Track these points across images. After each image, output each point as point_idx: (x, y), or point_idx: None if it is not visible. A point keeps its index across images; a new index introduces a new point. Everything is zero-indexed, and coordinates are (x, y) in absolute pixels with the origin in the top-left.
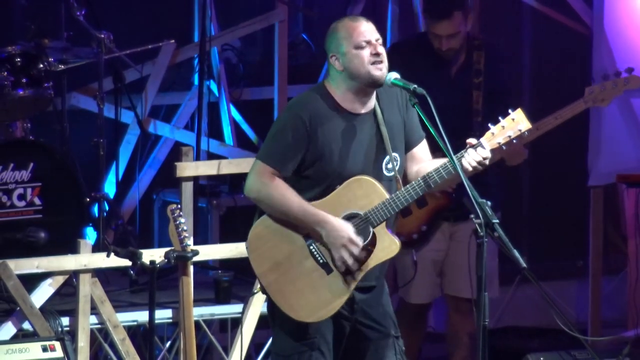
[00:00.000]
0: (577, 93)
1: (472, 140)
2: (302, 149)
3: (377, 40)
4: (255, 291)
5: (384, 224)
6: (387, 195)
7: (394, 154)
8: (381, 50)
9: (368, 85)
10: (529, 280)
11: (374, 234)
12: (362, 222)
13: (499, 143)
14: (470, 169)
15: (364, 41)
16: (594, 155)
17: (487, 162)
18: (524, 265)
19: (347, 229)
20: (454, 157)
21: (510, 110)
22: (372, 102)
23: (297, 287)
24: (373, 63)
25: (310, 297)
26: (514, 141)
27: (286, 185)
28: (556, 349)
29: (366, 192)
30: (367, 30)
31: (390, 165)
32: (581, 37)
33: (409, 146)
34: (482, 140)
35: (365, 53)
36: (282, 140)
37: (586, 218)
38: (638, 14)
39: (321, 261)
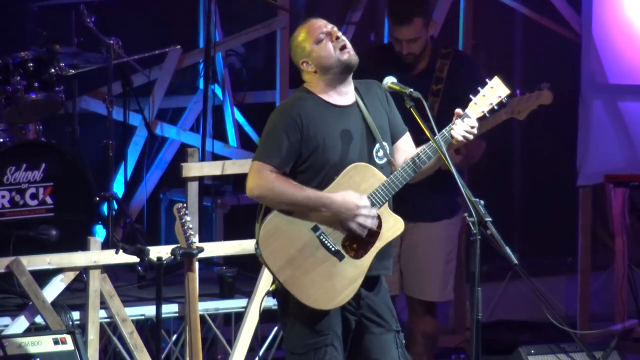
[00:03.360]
0: (567, 97)
1: (458, 111)
2: (297, 146)
3: (333, 29)
4: (271, 289)
5: (386, 204)
6: (384, 177)
7: (383, 143)
8: (340, 34)
9: (342, 72)
10: (520, 276)
11: (378, 215)
12: None
13: (483, 111)
14: (460, 138)
15: (322, 34)
16: (583, 156)
17: (475, 131)
18: (516, 261)
19: (352, 198)
20: (446, 157)
21: (487, 80)
22: (352, 94)
23: (313, 277)
24: (340, 49)
25: (327, 285)
26: (496, 107)
27: (285, 177)
28: (546, 342)
29: (364, 177)
30: (320, 24)
31: (380, 153)
32: (571, 43)
33: (393, 138)
34: (467, 110)
35: (328, 44)
36: (276, 139)
37: (575, 216)
38: (625, 22)
39: (333, 249)
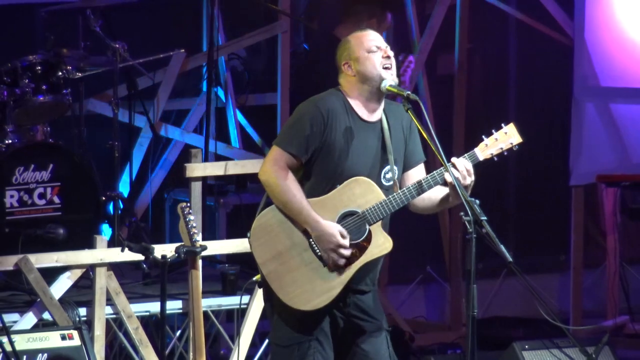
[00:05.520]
0: (560, 100)
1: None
2: (318, 140)
3: (386, 47)
4: (254, 279)
5: (379, 222)
6: (383, 196)
7: (394, 166)
8: (391, 54)
9: (377, 89)
10: (514, 273)
11: (369, 231)
12: (359, 220)
13: (492, 154)
14: (457, 175)
15: (375, 46)
16: (575, 156)
17: (468, 176)
18: (510, 259)
19: (335, 234)
20: (445, 161)
21: (503, 124)
22: (380, 113)
23: (295, 276)
24: (384, 67)
25: (306, 287)
26: (505, 153)
27: (295, 180)
28: (540, 337)
29: (364, 192)
30: (376, 37)
31: (388, 175)
32: (564, 47)
33: (407, 166)
34: (475, 150)
35: (377, 56)
36: (300, 128)
37: (568, 215)
38: (616, 26)
39: (319, 254)
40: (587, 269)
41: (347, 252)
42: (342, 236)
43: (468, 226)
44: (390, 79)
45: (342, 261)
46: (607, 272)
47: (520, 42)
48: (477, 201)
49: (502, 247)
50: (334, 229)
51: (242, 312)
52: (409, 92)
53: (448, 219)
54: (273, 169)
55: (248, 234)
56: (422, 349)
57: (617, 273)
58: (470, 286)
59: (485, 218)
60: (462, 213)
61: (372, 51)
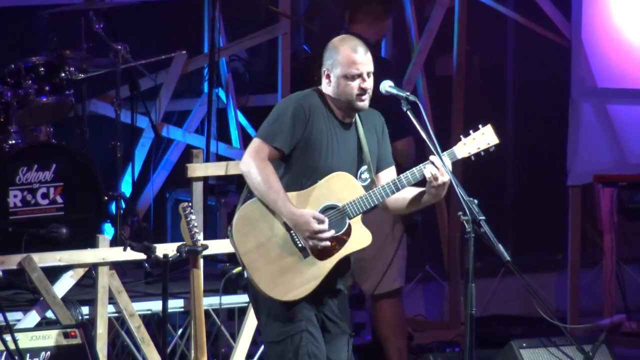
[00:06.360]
0: (557, 100)
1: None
2: (300, 134)
3: (367, 74)
4: (234, 272)
5: (359, 216)
6: (364, 191)
7: (371, 166)
8: (367, 84)
9: (349, 109)
10: (512, 272)
11: (349, 225)
12: (340, 213)
13: (470, 153)
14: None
15: (356, 75)
16: (573, 156)
17: (441, 174)
18: (508, 258)
19: (309, 222)
20: (441, 155)
21: (480, 125)
22: (354, 115)
23: (275, 267)
24: (358, 95)
25: (286, 277)
26: (482, 153)
27: (274, 173)
28: (538, 335)
29: (345, 187)
30: (362, 63)
31: (364, 175)
32: (561, 49)
33: (378, 169)
34: (454, 148)
35: (354, 84)
36: (283, 122)
37: (565, 215)
38: (613, 28)
39: (300, 245)
40: (584, 268)
41: (326, 235)
42: (319, 221)
43: (466, 226)
44: (362, 105)
45: (322, 245)
46: (604, 271)
47: (518, 44)
48: (476, 201)
49: (500, 247)
50: (308, 217)
51: (242, 311)
52: (408, 93)
53: (447, 219)
54: (255, 160)
55: (229, 228)
56: (421, 347)
57: (614, 272)
58: (469, 285)
59: (483, 217)
60: (460, 213)
61: (352, 78)
